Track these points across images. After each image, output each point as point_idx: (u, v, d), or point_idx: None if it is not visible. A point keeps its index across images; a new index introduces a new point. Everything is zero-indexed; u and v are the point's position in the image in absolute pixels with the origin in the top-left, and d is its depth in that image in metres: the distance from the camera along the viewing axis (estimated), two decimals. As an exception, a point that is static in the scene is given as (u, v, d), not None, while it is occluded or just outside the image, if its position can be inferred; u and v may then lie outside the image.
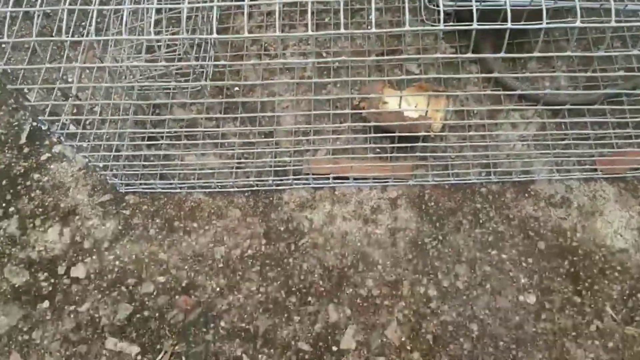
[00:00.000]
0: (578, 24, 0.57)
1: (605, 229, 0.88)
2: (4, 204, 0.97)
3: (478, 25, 0.57)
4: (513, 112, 0.99)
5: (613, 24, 0.57)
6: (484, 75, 0.82)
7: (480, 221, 0.91)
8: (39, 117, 0.76)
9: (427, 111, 0.83)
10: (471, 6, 0.57)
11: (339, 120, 1.01)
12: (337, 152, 0.97)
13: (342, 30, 0.59)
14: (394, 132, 0.88)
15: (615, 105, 0.87)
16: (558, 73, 0.99)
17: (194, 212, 0.94)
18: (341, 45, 1.08)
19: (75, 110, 1.03)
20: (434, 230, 0.90)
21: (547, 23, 0.56)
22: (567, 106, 0.79)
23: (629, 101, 0.93)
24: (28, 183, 0.99)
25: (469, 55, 0.59)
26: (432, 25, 1.01)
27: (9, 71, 0.70)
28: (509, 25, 0.57)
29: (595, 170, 0.92)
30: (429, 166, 0.94)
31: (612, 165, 0.91)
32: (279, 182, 0.95)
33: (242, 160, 0.97)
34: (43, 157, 1.01)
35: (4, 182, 0.99)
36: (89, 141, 0.86)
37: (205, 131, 0.99)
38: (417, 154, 0.92)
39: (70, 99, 0.86)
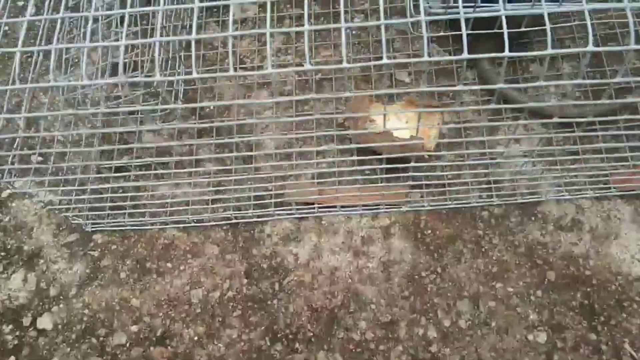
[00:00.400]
0: (590, 47, 0.47)
1: (622, 254, 0.80)
2: (-38, 249, 0.89)
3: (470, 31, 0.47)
4: (515, 126, 0.89)
5: (633, 46, 0.47)
6: (483, 86, 0.72)
7: (483, 250, 0.82)
8: None
9: (417, 130, 0.74)
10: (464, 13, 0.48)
11: (323, 140, 0.92)
12: (322, 175, 0.88)
13: (341, 24, 0.49)
14: (383, 154, 0.79)
15: (629, 116, 0.78)
16: (565, 82, 0.89)
17: (168, 251, 0.86)
18: (323, 55, 0.98)
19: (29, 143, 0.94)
20: (431, 262, 0.82)
21: (551, 29, 0.47)
22: (577, 119, 0.70)
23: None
24: (-13, 224, 0.91)
25: (464, 56, 0.49)
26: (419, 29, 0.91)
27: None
28: (506, 53, 0.47)
29: (609, 187, 0.82)
30: (424, 190, 0.85)
31: (628, 182, 0.81)
32: (260, 213, 0.86)
33: (220, 188, 0.89)
34: (3, 195, 0.93)
35: (-39, 224, 0.91)
36: (48, 180, 0.78)
37: (178, 159, 0.90)
38: (410, 175, 0.83)
39: (19, 131, 0.77)
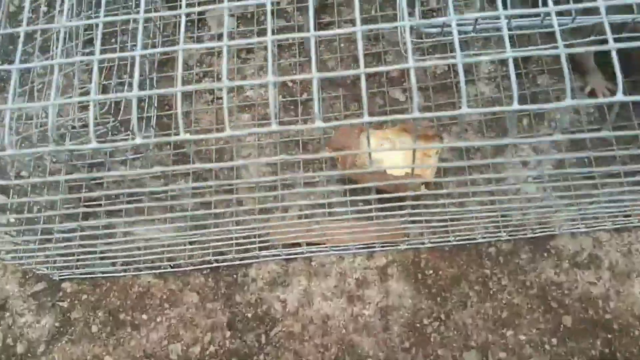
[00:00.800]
0: (620, 97, 0.38)
1: (646, 294, 0.72)
2: None
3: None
4: (523, 147, 0.80)
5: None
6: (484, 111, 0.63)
7: (491, 292, 0.74)
8: None
9: (413, 169, 0.66)
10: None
11: (311, 169, 0.83)
12: (310, 208, 0.80)
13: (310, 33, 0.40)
14: (377, 189, 0.71)
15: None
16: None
17: (143, 300, 0.78)
18: (308, 72, 0.89)
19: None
20: (434, 307, 0.74)
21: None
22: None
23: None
24: (-54, 275, 0.83)
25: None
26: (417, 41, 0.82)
27: None
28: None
29: (629, 216, 0.74)
30: (424, 225, 0.76)
31: (651, 212, 0.73)
32: (243, 255, 0.78)
33: (199, 223, 0.80)
34: (-38, 240, 0.85)
35: None
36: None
37: (151, 190, 0.82)
38: (408, 211, 0.75)
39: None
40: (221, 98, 0.87)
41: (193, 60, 0.91)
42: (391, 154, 0.79)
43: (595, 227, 0.74)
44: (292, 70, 0.89)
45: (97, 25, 0.85)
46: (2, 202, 0.84)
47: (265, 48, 0.90)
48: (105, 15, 0.45)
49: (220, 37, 0.92)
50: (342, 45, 0.90)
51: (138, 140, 0.41)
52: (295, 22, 0.92)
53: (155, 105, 0.88)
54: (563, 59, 0.37)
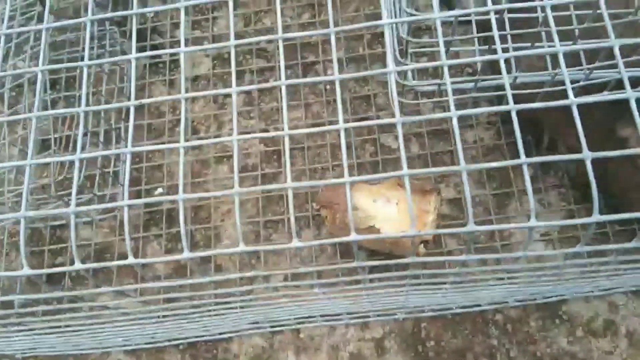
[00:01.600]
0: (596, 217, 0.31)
1: (669, 365, 0.65)
2: None
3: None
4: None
5: None
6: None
7: (498, 364, 0.67)
8: None
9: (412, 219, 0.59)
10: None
11: (297, 226, 0.76)
12: (297, 277, 0.72)
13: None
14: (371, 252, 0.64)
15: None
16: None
17: (114, 382, 0.70)
18: (293, 117, 0.82)
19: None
20: (436, 384, 0.67)
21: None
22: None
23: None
24: None
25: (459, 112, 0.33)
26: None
27: None
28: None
29: (648, 277, 0.67)
30: (421, 293, 0.69)
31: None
32: (225, 330, 0.70)
33: (172, 296, 0.72)
34: None
35: None
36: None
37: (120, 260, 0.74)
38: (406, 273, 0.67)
39: None
40: (197, 148, 0.80)
41: (166, 106, 0.84)
42: (386, 205, 0.72)
43: (610, 290, 0.68)
44: (274, 116, 0.82)
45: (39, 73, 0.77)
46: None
47: (243, 92, 0.82)
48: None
49: (195, 79, 0.85)
50: (327, 87, 0.83)
51: (124, 203, 0.33)
52: (276, 62, 0.84)
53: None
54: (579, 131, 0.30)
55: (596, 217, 0.30)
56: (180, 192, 0.33)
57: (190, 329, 0.70)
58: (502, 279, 0.60)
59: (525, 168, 0.31)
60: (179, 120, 0.83)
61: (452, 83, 0.55)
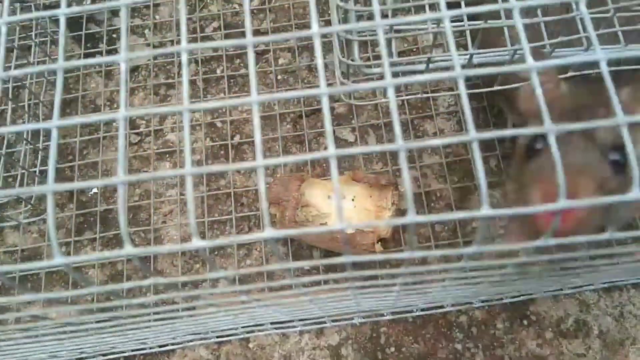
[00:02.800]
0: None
1: (644, 365, 0.61)
2: None
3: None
4: (492, 190, 0.69)
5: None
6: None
7: (463, 370, 0.62)
8: None
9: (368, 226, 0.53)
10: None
11: (246, 225, 0.70)
12: (246, 279, 0.66)
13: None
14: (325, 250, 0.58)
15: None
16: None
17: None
18: (242, 109, 0.76)
19: None
20: (397, 395, 0.61)
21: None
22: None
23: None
24: None
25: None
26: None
27: None
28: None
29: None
30: (381, 293, 0.64)
31: (643, 268, 0.62)
32: (162, 340, 0.63)
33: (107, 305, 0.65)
34: None
35: None
36: None
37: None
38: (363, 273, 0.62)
39: None
40: (136, 143, 0.73)
41: (102, 98, 0.77)
42: (341, 201, 0.67)
43: (580, 287, 0.63)
44: (221, 108, 0.76)
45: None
46: None
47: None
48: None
49: (134, 70, 0.78)
50: (278, 77, 0.77)
51: (50, 188, 0.26)
52: (223, 51, 0.78)
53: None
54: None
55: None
56: (119, 174, 0.26)
57: (126, 342, 0.63)
58: (460, 278, 0.55)
59: (475, 145, 0.25)
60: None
61: (404, 64, 0.50)
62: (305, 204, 0.64)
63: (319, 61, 0.23)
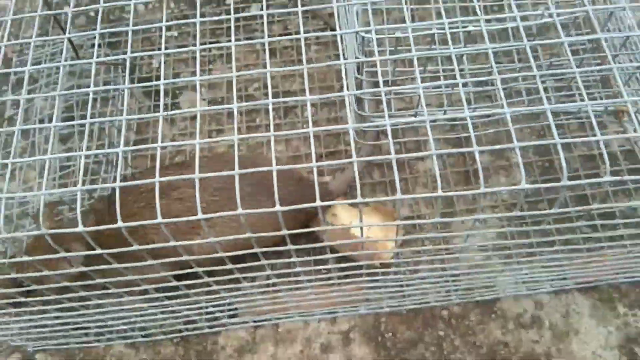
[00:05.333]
0: (524, 185, 0.47)
1: (583, 351, 0.79)
2: None
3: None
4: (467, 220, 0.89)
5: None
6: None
7: (445, 352, 0.80)
8: None
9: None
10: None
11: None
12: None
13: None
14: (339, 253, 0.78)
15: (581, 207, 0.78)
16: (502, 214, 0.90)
17: (115, 370, 0.81)
18: (277, 149, 0.97)
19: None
20: (393, 369, 0.79)
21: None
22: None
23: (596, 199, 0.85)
24: None
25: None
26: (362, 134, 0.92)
27: None
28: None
29: (565, 279, 0.82)
30: (382, 290, 0.83)
31: (585, 275, 0.81)
32: (212, 323, 0.82)
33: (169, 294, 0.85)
34: None
35: None
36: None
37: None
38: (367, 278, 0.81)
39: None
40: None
41: (167, 139, 0.99)
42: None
43: (536, 290, 0.82)
44: (259, 148, 0.98)
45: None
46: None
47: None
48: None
49: (192, 119, 1.01)
50: (304, 126, 0.99)
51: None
52: (262, 106, 1.01)
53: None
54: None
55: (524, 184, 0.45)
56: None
57: (183, 323, 0.82)
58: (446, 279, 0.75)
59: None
60: (177, 151, 0.98)
61: (401, 117, 0.72)
62: (334, 214, 0.84)
63: (349, 109, 0.44)
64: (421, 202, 0.90)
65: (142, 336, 0.82)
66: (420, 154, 0.46)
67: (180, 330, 0.82)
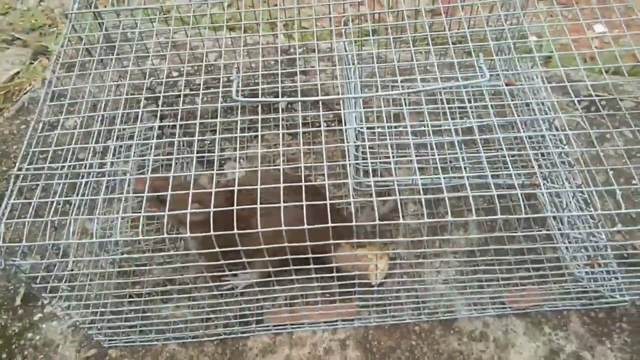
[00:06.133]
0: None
1: (518, 358, 1.06)
2: (-3, 364, 1.09)
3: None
4: (435, 259, 1.20)
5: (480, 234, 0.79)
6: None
7: (416, 357, 1.07)
8: (33, 285, 0.90)
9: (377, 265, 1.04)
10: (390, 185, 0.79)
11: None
12: (293, 297, 1.15)
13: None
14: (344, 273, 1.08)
15: (519, 256, 1.09)
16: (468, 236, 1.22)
17: (170, 362, 1.08)
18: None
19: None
20: (377, 368, 1.06)
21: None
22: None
23: (527, 249, 1.16)
24: (22, 342, 1.12)
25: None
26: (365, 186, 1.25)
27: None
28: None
29: (505, 307, 1.11)
30: (371, 309, 1.12)
31: (518, 303, 1.11)
32: (243, 330, 1.10)
33: (213, 309, 1.14)
34: (36, 317, 1.15)
35: (0, 342, 1.12)
36: (78, 303, 1.02)
37: (179, 288, 1.16)
38: (359, 296, 1.11)
39: (66, 272, 1.02)
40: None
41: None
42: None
43: (484, 313, 1.11)
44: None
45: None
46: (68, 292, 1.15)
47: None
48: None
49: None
50: (316, 190, 1.32)
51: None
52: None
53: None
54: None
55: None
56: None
57: (222, 328, 1.10)
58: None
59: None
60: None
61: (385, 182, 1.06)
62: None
63: (350, 179, 0.77)
64: (401, 246, 1.22)
65: (191, 338, 1.11)
66: (397, 222, 0.79)
67: (219, 334, 1.11)
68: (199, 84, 0.94)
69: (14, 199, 0.83)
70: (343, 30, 1.14)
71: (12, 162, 1.41)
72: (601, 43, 1.77)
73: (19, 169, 0.85)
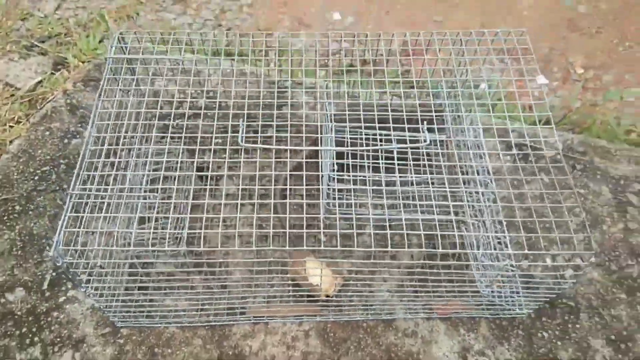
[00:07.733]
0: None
1: (438, 352, 1.40)
2: (30, 335, 1.36)
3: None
4: (382, 272, 1.52)
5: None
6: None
7: (362, 347, 1.40)
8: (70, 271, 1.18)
9: (321, 284, 1.35)
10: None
11: (274, 276, 1.50)
12: (270, 297, 1.46)
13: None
14: (305, 289, 1.39)
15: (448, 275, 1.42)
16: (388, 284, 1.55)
17: (169, 341, 1.38)
18: (275, 223, 1.60)
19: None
20: (332, 353, 1.39)
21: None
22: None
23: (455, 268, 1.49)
24: (49, 319, 1.39)
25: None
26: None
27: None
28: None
29: (432, 312, 1.45)
30: (330, 309, 1.44)
31: (442, 310, 1.44)
32: (229, 319, 1.41)
33: (205, 302, 1.43)
34: (60, 300, 1.43)
35: (30, 318, 1.39)
36: (97, 290, 1.30)
37: (180, 284, 1.45)
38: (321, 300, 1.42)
39: (96, 267, 1.30)
40: (224, 228, 1.56)
41: (210, 207, 1.60)
42: (317, 271, 1.49)
43: (415, 316, 1.45)
44: (267, 222, 1.60)
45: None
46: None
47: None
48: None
49: (227, 195, 1.63)
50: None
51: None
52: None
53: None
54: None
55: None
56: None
57: (212, 316, 1.40)
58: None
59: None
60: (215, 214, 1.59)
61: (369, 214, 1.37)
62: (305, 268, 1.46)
63: (322, 213, 1.08)
64: (356, 263, 1.53)
65: (188, 323, 1.40)
66: (351, 249, 1.10)
67: (210, 321, 1.40)
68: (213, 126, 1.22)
69: (70, 213, 1.10)
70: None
71: (37, 164, 1.66)
72: (540, 94, 2.11)
73: (73, 189, 1.12)
